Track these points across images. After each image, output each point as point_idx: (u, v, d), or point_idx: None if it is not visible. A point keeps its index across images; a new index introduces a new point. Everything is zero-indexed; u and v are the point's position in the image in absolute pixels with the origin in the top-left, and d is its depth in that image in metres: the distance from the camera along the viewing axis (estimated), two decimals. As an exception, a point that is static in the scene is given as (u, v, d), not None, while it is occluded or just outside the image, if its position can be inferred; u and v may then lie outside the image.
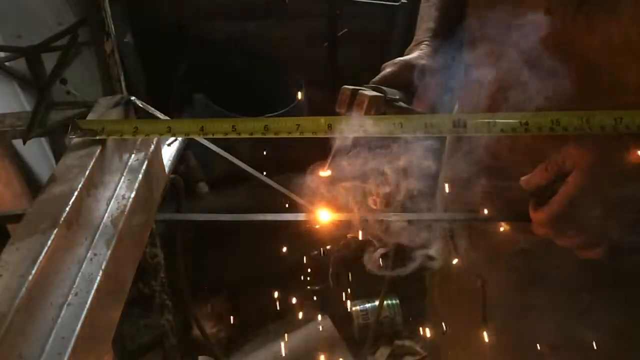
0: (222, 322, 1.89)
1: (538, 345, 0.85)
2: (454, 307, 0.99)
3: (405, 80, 0.77)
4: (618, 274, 0.74)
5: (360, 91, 0.70)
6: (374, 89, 0.71)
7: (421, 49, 0.81)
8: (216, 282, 1.97)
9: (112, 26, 1.16)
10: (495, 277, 0.86)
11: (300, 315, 1.91)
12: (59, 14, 1.67)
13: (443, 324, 1.08)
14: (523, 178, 0.64)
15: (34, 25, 1.58)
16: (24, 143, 1.18)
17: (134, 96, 0.62)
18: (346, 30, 2.02)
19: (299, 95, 2.07)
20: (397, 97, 0.73)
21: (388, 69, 0.77)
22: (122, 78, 1.23)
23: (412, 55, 0.80)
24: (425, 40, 0.83)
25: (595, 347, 0.79)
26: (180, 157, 2.01)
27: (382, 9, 2.18)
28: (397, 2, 1.94)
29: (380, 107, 0.70)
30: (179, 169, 1.92)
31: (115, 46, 1.19)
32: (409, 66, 0.77)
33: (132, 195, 0.52)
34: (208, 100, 1.92)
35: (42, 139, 1.58)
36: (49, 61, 1.29)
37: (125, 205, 0.51)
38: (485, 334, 0.91)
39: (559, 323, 0.81)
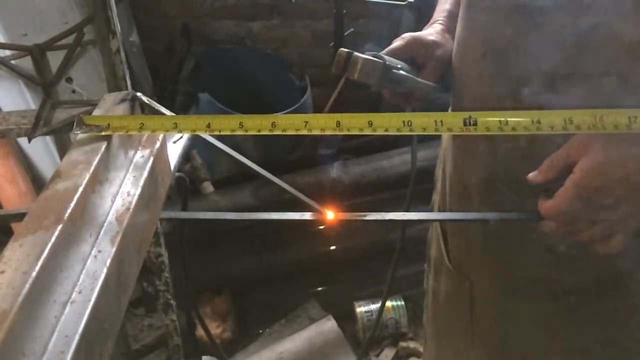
0: (226, 322, 1.88)
1: (525, 350, 0.85)
2: (443, 308, 0.99)
3: (413, 54, 0.79)
4: (607, 278, 0.73)
5: (355, 53, 0.70)
6: (374, 57, 0.71)
7: (433, 27, 0.83)
8: (221, 281, 1.97)
9: (118, 25, 1.16)
10: (482, 279, 0.85)
11: (305, 315, 1.90)
12: (65, 13, 1.67)
13: (432, 327, 1.08)
14: (530, 174, 0.63)
15: (40, 24, 1.58)
16: (29, 141, 1.18)
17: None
18: (352, 30, 2.01)
19: (305, 95, 2.07)
20: (399, 66, 0.74)
21: (396, 42, 0.79)
22: (127, 77, 1.23)
23: (422, 32, 0.81)
24: (439, 20, 0.84)
25: (583, 353, 0.79)
26: (186, 157, 2.01)
27: (388, 8, 2.18)
28: (404, 1, 1.93)
29: (378, 73, 0.70)
30: (184, 169, 1.93)
31: (121, 45, 1.19)
32: (417, 41, 0.79)
33: (138, 192, 0.52)
34: (213, 99, 1.92)
35: (48, 137, 1.59)
36: (55, 60, 1.29)
37: (130, 202, 0.50)
38: (472, 336, 0.90)
39: (545, 327, 0.81)
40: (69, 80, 1.50)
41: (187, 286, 0.99)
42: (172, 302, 1.47)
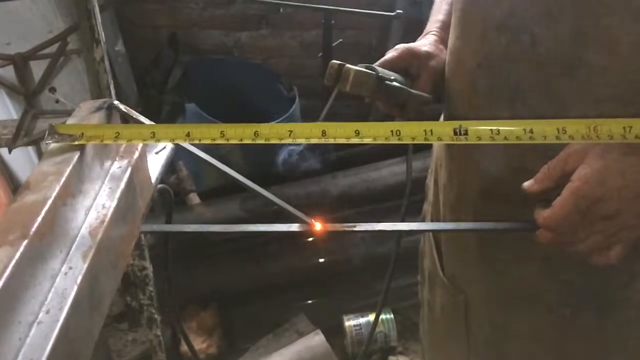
0: (212, 336, 1.85)
1: None
2: (439, 322, 0.97)
3: (406, 65, 0.78)
4: (604, 291, 0.71)
5: (347, 65, 0.69)
6: (366, 68, 0.70)
7: (427, 38, 0.82)
8: (207, 295, 1.93)
9: (102, 33, 1.13)
10: (476, 291, 0.84)
11: (293, 329, 1.87)
12: (49, 22, 1.65)
13: (428, 340, 1.06)
14: (525, 183, 0.61)
15: (24, 32, 1.55)
16: (10, 152, 1.15)
17: (124, 104, 0.59)
18: (341, 40, 2.01)
19: (293, 105, 2.06)
20: (392, 77, 0.73)
21: (389, 54, 0.78)
22: (111, 86, 1.20)
23: (416, 43, 0.81)
24: (433, 31, 0.83)
25: None
26: (172, 168, 1.97)
27: (377, 19, 2.18)
28: (393, 12, 1.93)
29: (370, 85, 0.69)
30: (169, 180, 1.89)
31: (106, 54, 1.16)
32: (411, 52, 0.78)
33: (114, 204, 0.49)
34: (200, 110, 1.90)
35: (29, 148, 1.55)
36: (39, 69, 1.27)
37: (105, 215, 0.48)
38: (468, 350, 0.88)
39: (540, 340, 0.79)
40: (52, 89, 1.47)
41: (171, 300, 0.96)
42: (156, 316, 1.44)
